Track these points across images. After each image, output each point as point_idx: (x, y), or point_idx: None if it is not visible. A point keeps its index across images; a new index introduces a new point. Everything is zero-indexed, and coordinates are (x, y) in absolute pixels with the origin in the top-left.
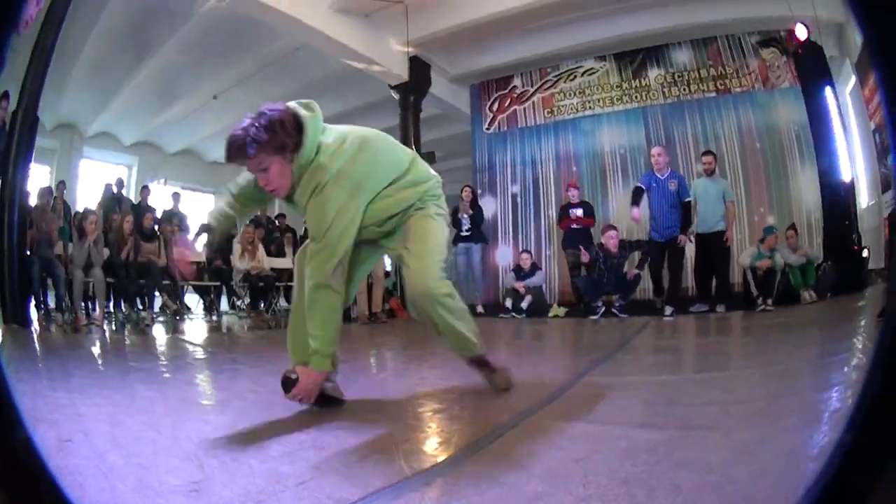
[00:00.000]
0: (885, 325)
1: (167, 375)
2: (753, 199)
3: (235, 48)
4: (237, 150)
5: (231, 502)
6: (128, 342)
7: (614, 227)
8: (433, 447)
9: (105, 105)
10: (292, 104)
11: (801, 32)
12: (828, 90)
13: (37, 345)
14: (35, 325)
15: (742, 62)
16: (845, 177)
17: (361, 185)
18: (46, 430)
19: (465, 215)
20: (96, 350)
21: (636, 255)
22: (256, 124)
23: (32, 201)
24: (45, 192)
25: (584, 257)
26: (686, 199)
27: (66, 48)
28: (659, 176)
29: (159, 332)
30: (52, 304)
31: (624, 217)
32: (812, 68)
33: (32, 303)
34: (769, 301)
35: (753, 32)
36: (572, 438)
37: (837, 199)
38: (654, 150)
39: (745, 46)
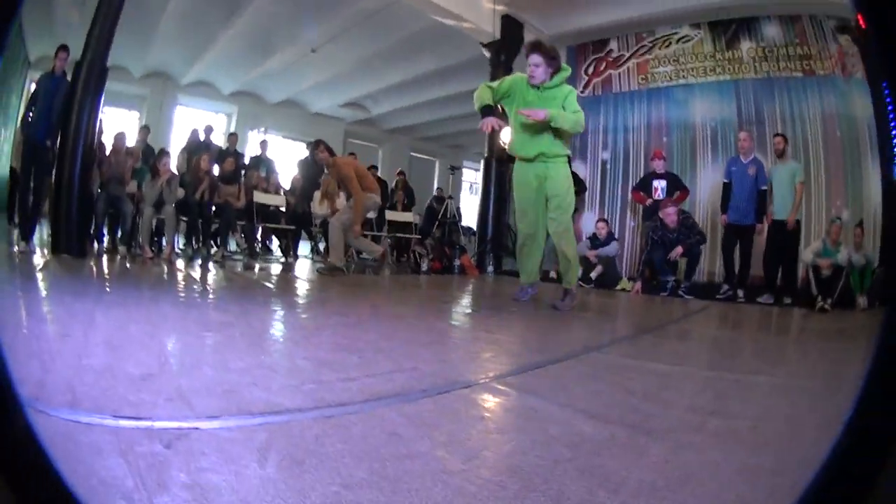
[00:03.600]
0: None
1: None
2: (833, 191)
3: (328, 2)
4: (533, 45)
5: None
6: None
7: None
8: None
9: (199, 56)
10: None
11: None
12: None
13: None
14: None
15: (824, 45)
16: None
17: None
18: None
19: None
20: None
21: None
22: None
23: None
24: (120, 136)
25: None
26: (762, 188)
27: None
28: (743, 160)
29: (227, 268)
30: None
31: (707, 193)
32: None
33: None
34: (829, 301)
35: (832, 17)
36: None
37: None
38: (741, 135)
39: (825, 29)
